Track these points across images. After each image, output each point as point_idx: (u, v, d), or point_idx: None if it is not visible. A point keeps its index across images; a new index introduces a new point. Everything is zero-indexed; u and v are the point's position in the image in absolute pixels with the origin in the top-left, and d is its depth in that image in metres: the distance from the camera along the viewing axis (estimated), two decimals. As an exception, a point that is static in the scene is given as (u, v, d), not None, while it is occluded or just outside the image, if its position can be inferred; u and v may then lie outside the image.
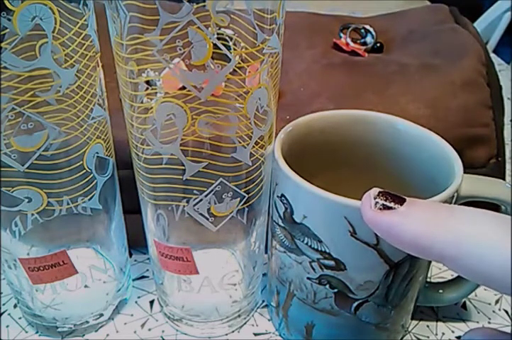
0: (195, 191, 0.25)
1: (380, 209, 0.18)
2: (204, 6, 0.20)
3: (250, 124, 0.24)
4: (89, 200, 0.27)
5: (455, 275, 0.31)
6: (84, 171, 0.26)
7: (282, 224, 0.27)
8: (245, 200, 0.27)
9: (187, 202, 0.26)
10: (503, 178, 0.37)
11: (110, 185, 0.29)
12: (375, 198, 0.19)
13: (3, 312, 0.33)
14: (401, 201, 0.18)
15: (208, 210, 0.26)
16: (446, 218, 0.17)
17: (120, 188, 0.30)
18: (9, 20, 0.21)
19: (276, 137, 0.27)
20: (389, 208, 0.18)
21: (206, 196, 0.25)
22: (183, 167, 0.24)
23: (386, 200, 0.19)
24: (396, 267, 0.25)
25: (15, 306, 0.33)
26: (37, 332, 0.32)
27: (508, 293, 0.16)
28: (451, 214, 0.18)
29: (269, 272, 0.31)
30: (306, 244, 0.25)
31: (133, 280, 0.35)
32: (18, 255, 0.28)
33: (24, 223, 0.26)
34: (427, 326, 0.33)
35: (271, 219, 0.28)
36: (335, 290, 0.26)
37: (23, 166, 0.24)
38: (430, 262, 0.28)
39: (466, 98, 0.36)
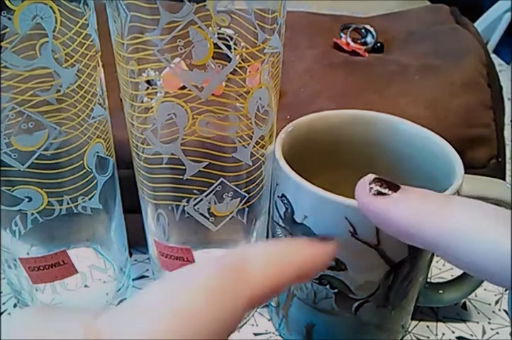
0: (195, 191, 0.25)
1: (374, 194, 0.18)
2: (205, 5, 0.20)
3: (251, 124, 0.24)
4: (89, 199, 0.27)
5: (455, 275, 0.31)
6: (85, 170, 0.26)
7: (283, 224, 0.26)
8: (245, 200, 0.27)
9: (187, 201, 0.26)
10: (504, 179, 0.37)
11: (111, 185, 0.29)
12: (370, 184, 0.19)
13: (3, 312, 0.33)
14: (395, 188, 0.18)
15: (209, 209, 0.26)
16: (441, 206, 0.17)
17: (120, 187, 0.30)
18: (9, 19, 0.21)
19: (276, 136, 0.27)
20: (383, 194, 0.18)
21: (206, 196, 0.25)
22: (183, 167, 0.24)
23: (380, 186, 0.18)
24: (397, 267, 0.25)
25: (15, 305, 0.33)
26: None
27: (505, 285, 0.16)
28: (446, 203, 0.17)
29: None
30: (307, 244, 0.25)
31: (133, 279, 0.35)
32: (18, 254, 0.28)
33: (24, 222, 0.26)
34: (427, 326, 0.33)
35: (271, 219, 0.28)
36: (336, 290, 0.26)
37: (23, 165, 0.24)
38: (430, 262, 0.28)
39: (466, 99, 0.36)
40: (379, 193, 0.18)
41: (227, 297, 0.15)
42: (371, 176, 0.19)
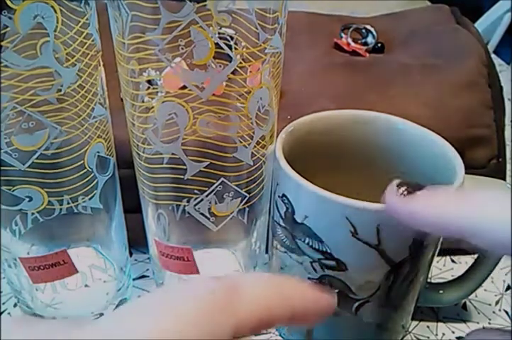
0: (196, 191, 0.25)
1: (403, 195, 0.20)
2: (206, 5, 0.20)
3: (252, 124, 0.24)
4: (90, 199, 0.27)
5: (456, 275, 0.31)
6: (85, 170, 0.26)
7: (283, 224, 0.26)
8: (246, 199, 0.27)
9: (188, 201, 0.26)
10: (504, 179, 0.37)
11: (111, 185, 0.29)
12: (397, 186, 0.21)
13: (3, 311, 0.33)
14: (420, 188, 0.20)
15: (209, 209, 0.26)
16: (464, 199, 0.19)
17: (120, 187, 0.30)
18: (10, 18, 0.21)
19: (277, 136, 0.27)
20: (411, 194, 0.20)
21: (207, 196, 0.25)
22: (184, 166, 0.24)
23: (407, 188, 0.20)
24: (397, 267, 0.25)
25: (15, 305, 0.33)
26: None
27: None
28: (468, 196, 0.19)
29: (269, 272, 0.31)
30: (307, 244, 0.25)
31: (133, 279, 0.35)
32: (18, 254, 0.28)
33: (24, 222, 0.26)
34: (428, 326, 0.33)
35: (272, 219, 0.28)
36: (336, 290, 0.26)
37: (23, 165, 0.24)
38: (430, 262, 0.28)
39: (467, 99, 0.36)
40: (408, 193, 0.20)
41: (214, 322, 0.15)
42: (397, 181, 0.21)
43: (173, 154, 0.24)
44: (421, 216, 0.20)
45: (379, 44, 0.41)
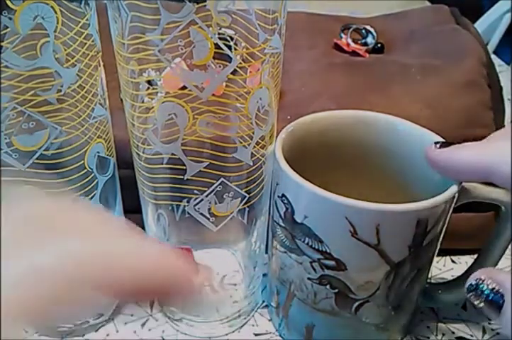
0: (196, 191, 0.25)
1: (440, 147, 0.24)
2: (205, 5, 0.20)
3: (251, 124, 0.24)
4: (90, 199, 0.27)
5: (456, 275, 0.31)
6: (85, 170, 0.26)
7: (283, 224, 0.26)
8: (245, 200, 0.27)
9: (188, 202, 0.26)
10: (504, 179, 0.37)
11: (111, 185, 0.29)
12: (435, 144, 0.24)
13: (3, 312, 0.33)
14: (453, 143, 0.24)
15: (209, 209, 0.26)
16: (488, 144, 0.23)
17: (120, 187, 0.30)
18: (10, 19, 0.21)
19: (277, 137, 0.27)
20: (446, 146, 0.24)
21: (206, 196, 0.25)
22: (184, 167, 0.24)
23: (443, 144, 0.24)
24: (397, 267, 0.25)
25: (15, 305, 0.33)
26: (37, 332, 0.32)
27: None
28: (491, 142, 0.23)
29: (269, 272, 0.31)
30: (307, 244, 0.25)
31: (133, 279, 0.35)
32: (19, 254, 0.28)
33: (24, 222, 0.26)
34: (428, 326, 0.33)
35: (271, 219, 0.28)
36: (336, 291, 0.26)
37: (23, 165, 0.24)
38: (430, 262, 0.28)
39: (466, 99, 0.36)
40: (444, 146, 0.24)
41: None
42: (435, 141, 0.25)
43: (173, 154, 0.24)
44: (455, 160, 0.23)
45: (379, 45, 0.41)
